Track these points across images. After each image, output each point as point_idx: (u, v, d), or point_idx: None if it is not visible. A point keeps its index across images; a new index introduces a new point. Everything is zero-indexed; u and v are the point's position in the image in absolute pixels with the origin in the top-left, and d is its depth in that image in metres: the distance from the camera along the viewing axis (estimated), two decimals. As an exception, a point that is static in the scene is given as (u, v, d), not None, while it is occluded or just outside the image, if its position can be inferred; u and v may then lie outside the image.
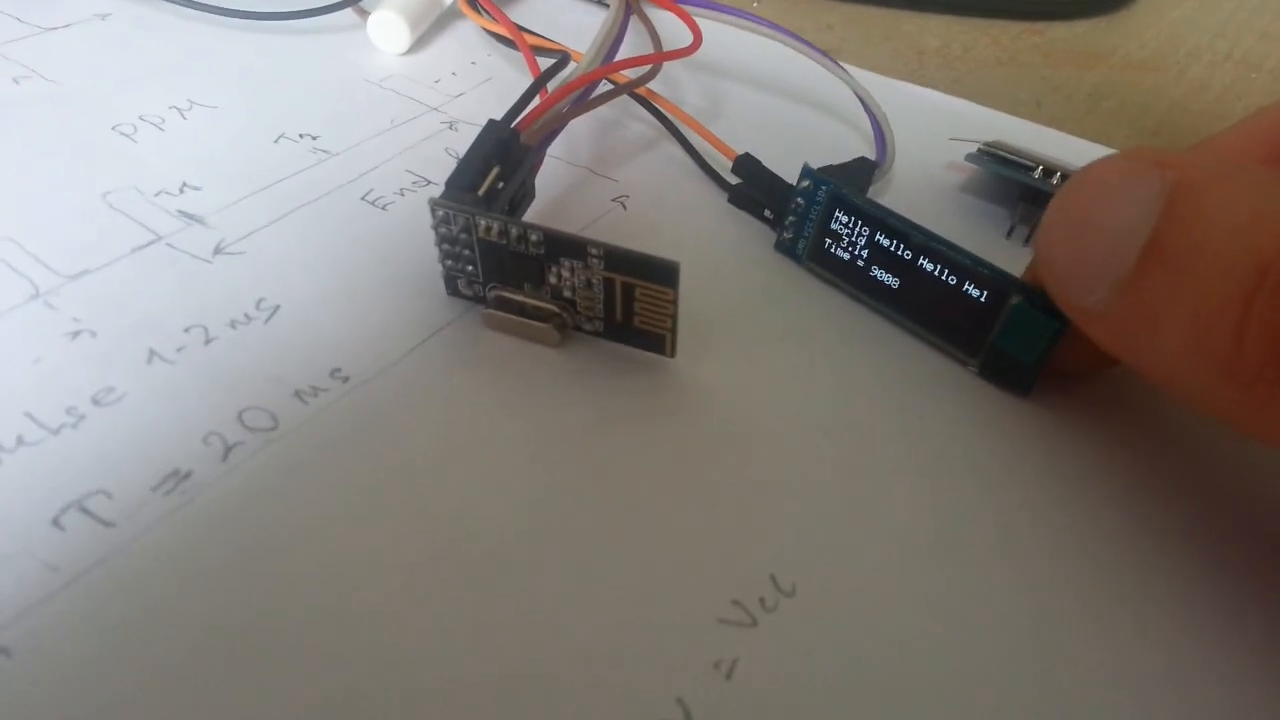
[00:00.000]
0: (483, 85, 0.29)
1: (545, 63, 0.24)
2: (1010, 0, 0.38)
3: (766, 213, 0.24)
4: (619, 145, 0.26)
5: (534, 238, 0.19)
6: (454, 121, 0.27)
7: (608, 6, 0.33)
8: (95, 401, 0.17)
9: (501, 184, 0.20)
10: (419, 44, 0.30)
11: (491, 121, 0.21)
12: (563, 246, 0.19)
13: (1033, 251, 0.22)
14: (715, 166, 0.26)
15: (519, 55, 0.28)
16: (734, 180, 0.25)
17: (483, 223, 0.19)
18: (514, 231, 0.19)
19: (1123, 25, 0.38)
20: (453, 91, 0.28)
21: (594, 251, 0.19)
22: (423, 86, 0.28)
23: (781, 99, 0.30)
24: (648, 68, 0.25)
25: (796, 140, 0.27)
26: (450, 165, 0.25)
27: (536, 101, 0.22)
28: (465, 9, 0.29)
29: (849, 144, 0.28)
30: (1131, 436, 0.19)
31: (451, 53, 0.30)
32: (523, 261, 0.19)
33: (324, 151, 0.25)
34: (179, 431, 0.17)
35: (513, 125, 0.21)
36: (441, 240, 0.20)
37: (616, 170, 0.26)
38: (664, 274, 0.18)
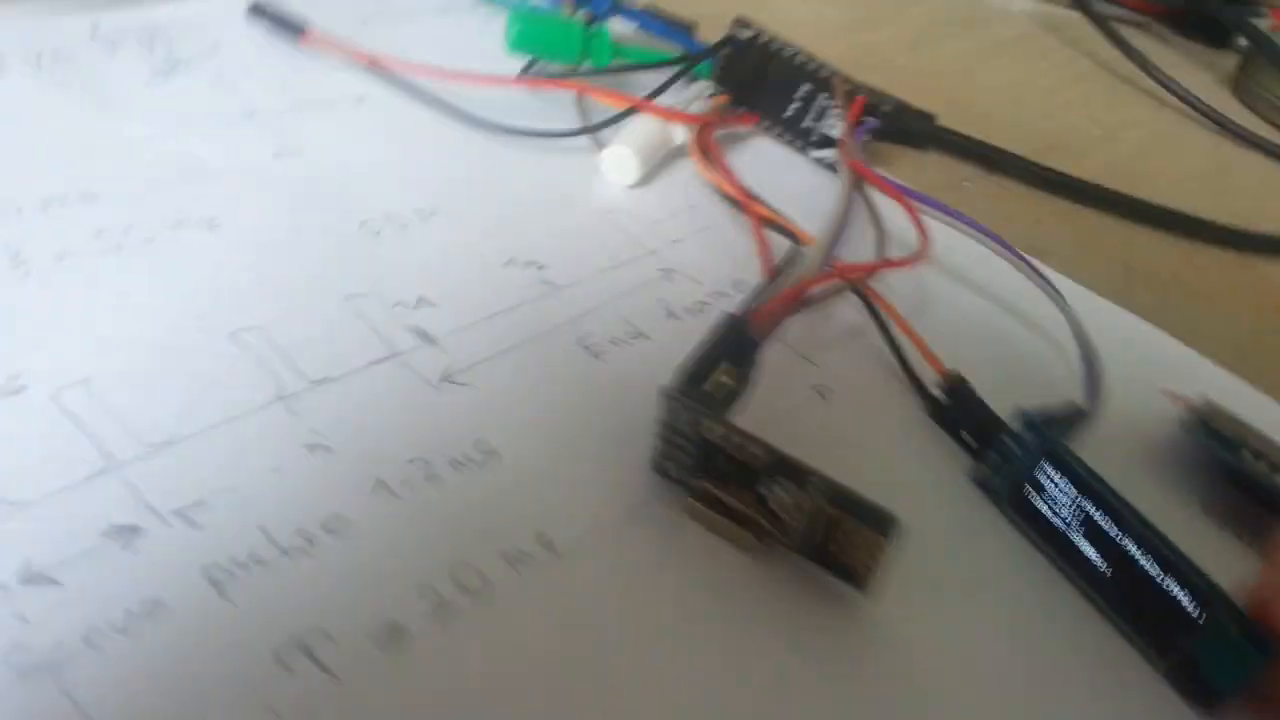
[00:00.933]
0: (700, 234, 0.29)
1: (772, 236, 0.25)
2: (1224, 229, 0.37)
3: (965, 435, 0.24)
4: (825, 327, 0.27)
5: (757, 451, 0.19)
6: (669, 270, 0.28)
7: (833, 170, 0.34)
8: (325, 527, 0.18)
9: (728, 380, 0.21)
10: (644, 181, 0.31)
11: (729, 316, 0.21)
12: (783, 467, 0.19)
13: (1260, 570, 0.21)
14: (918, 370, 0.26)
15: (735, 204, 0.29)
16: (938, 394, 0.25)
17: (709, 425, 0.20)
18: (737, 440, 0.19)
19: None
20: (671, 235, 0.29)
21: (814, 481, 0.19)
22: (644, 225, 0.29)
23: (989, 301, 0.30)
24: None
25: (1000, 355, 0.27)
26: (663, 318, 0.26)
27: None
28: (696, 158, 0.30)
29: (1055, 371, 0.27)
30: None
31: (673, 192, 0.31)
32: (738, 466, 0.20)
33: (548, 284, 0.26)
34: (398, 576, 0.18)
35: (746, 316, 0.22)
36: (664, 428, 0.20)
37: (819, 354, 0.26)
38: (881, 523, 0.18)
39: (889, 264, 0.25)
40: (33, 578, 0.16)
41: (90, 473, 0.18)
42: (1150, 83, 0.48)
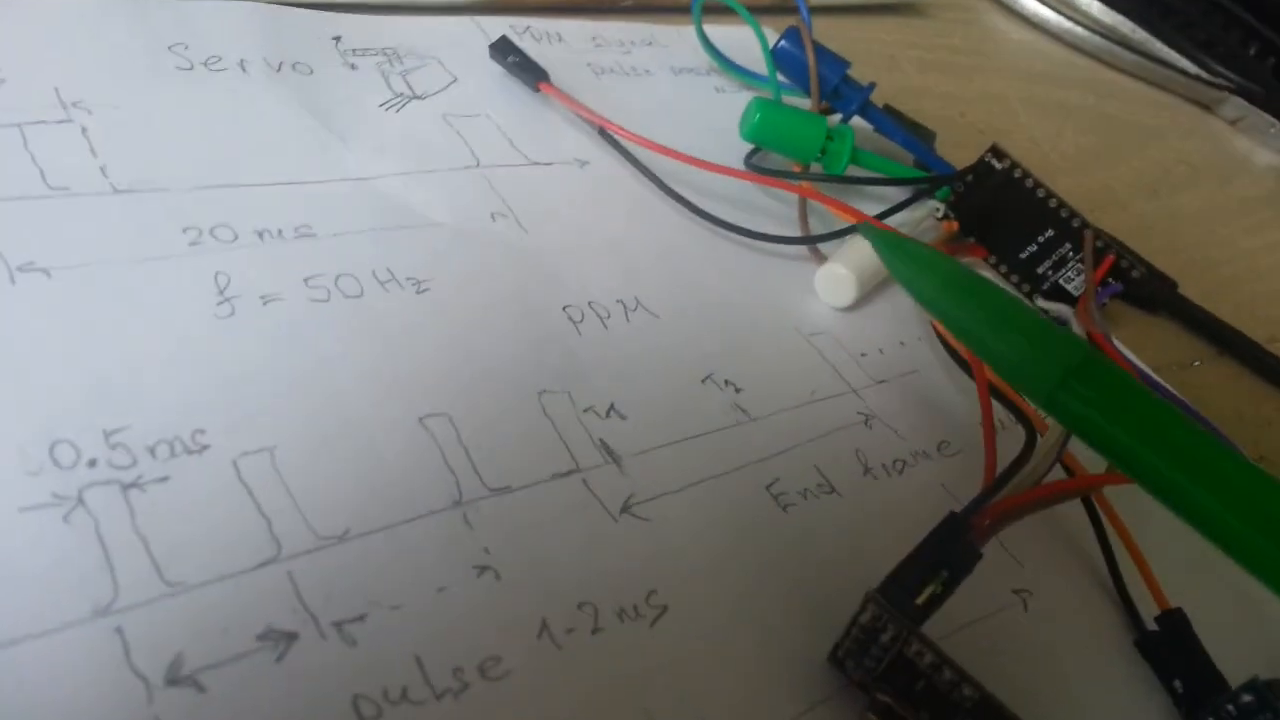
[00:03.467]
0: (908, 377, 0.27)
1: (996, 406, 0.23)
2: None
3: (1176, 684, 0.22)
4: (1036, 522, 0.24)
5: (966, 692, 0.17)
6: (870, 416, 0.25)
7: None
8: (482, 671, 0.17)
9: (938, 590, 0.18)
10: (858, 305, 0.29)
11: (952, 516, 0.19)
12: (992, 715, 0.17)
13: None
14: (1135, 594, 0.23)
15: (945, 346, 0.26)
16: (1153, 626, 0.22)
17: (915, 646, 0.17)
18: (947, 674, 0.17)
19: None
20: (876, 374, 0.27)
21: (1026, 745, 0.17)
22: (848, 356, 0.27)
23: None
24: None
25: (1232, 591, 0.24)
26: (858, 473, 0.24)
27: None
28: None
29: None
30: None
31: (884, 324, 0.29)
32: (933, 693, 0.18)
33: (743, 411, 0.24)
34: (548, 745, 0.16)
35: (968, 520, 0.19)
36: (859, 630, 0.18)
37: (1027, 553, 0.23)
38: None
39: (1109, 480, 0.22)
40: (180, 680, 0.15)
41: (258, 561, 0.17)
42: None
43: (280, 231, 0.23)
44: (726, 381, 0.25)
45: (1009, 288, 0.32)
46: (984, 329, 0.19)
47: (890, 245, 0.22)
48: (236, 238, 0.23)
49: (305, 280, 0.22)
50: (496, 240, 0.26)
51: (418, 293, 0.23)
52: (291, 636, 0.16)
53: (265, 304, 0.21)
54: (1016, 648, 0.21)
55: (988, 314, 0.19)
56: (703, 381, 0.24)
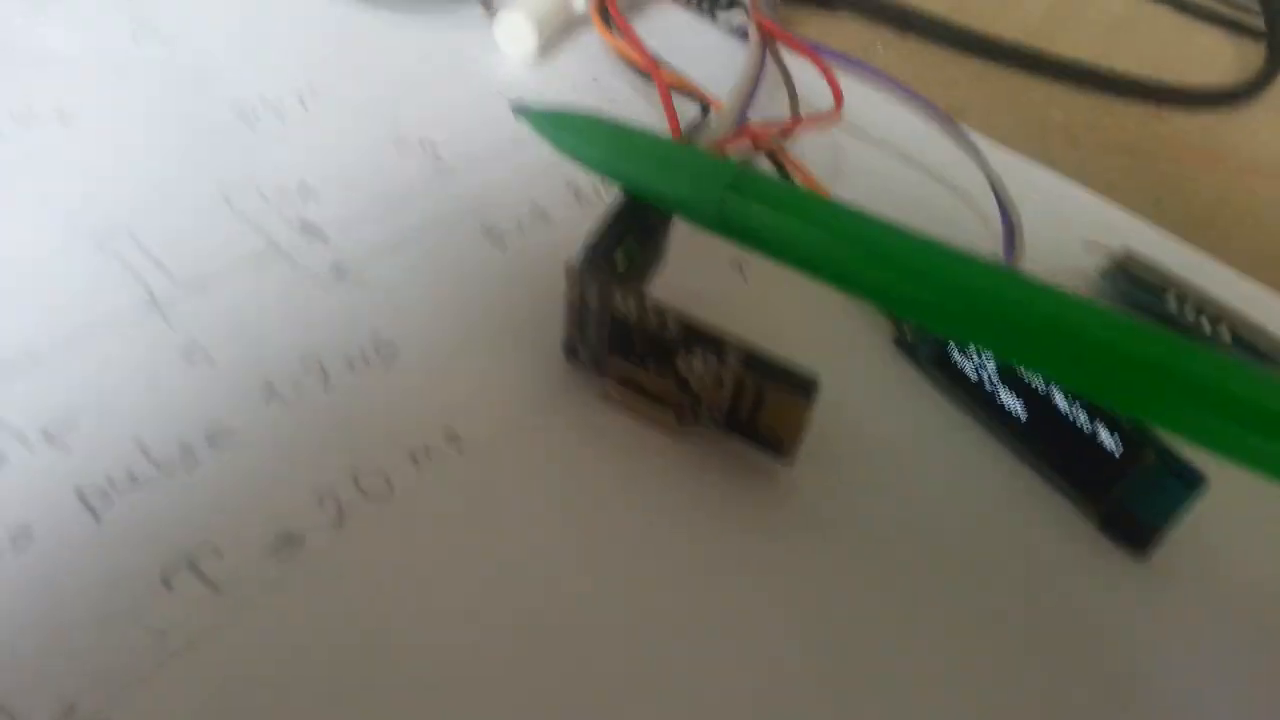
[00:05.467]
0: (606, 107, 0.28)
1: (679, 103, 0.24)
2: (1136, 81, 0.37)
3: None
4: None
5: (671, 324, 0.18)
6: (575, 147, 0.26)
7: (744, 38, 0.32)
8: (209, 440, 0.17)
9: (637, 251, 0.19)
10: (544, 52, 0.29)
11: (634, 186, 0.20)
12: (700, 338, 0.18)
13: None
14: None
15: (641, 75, 0.27)
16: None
17: (620, 298, 0.18)
18: (651, 313, 0.18)
19: (1248, 122, 0.37)
20: (574, 111, 0.27)
21: (732, 348, 0.18)
22: (545, 100, 0.27)
23: (904, 165, 0.29)
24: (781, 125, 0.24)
25: (919, 216, 0.26)
26: (571, 200, 0.24)
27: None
28: (598, 25, 0.28)
29: (973, 229, 0.27)
30: (1257, 609, 0.19)
31: (575, 66, 0.29)
32: (652, 342, 0.19)
33: (444, 166, 0.24)
34: (294, 486, 0.17)
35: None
36: (572, 308, 0.19)
37: (736, 228, 0.25)
38: (802, 386, 0.18)
39: (800, 123, 0.24)
40: (-121, 514, 0.15)
41: (-62, 397, 0.16)
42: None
43: (-113, 96, 0.21)
44: (421, 140, 0.24)
45: (691, 14, 0.33)
46: (650, 178, 0.20)
47: (551, 121, 0.21)
48: None
49: (-73, 134, 0.20)
50: (141, 60, 0.24)
51: (63, 124, 0.22)
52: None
53: (-115, 166, 0.20)
54: (740, 310, 0.23)
55: (650, 163, 0.20)
56: (395, 144, 0.24)
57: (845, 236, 0.18)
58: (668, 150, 0.20)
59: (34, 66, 0.23)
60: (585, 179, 0.25)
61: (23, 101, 0.22)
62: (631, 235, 0.19)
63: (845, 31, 0.36)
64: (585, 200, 0.25)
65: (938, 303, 0.17)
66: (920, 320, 0.19)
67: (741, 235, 0.19)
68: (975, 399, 0.22)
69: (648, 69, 0.26)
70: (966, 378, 0.22)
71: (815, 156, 0.28)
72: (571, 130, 0.21)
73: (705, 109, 0.23)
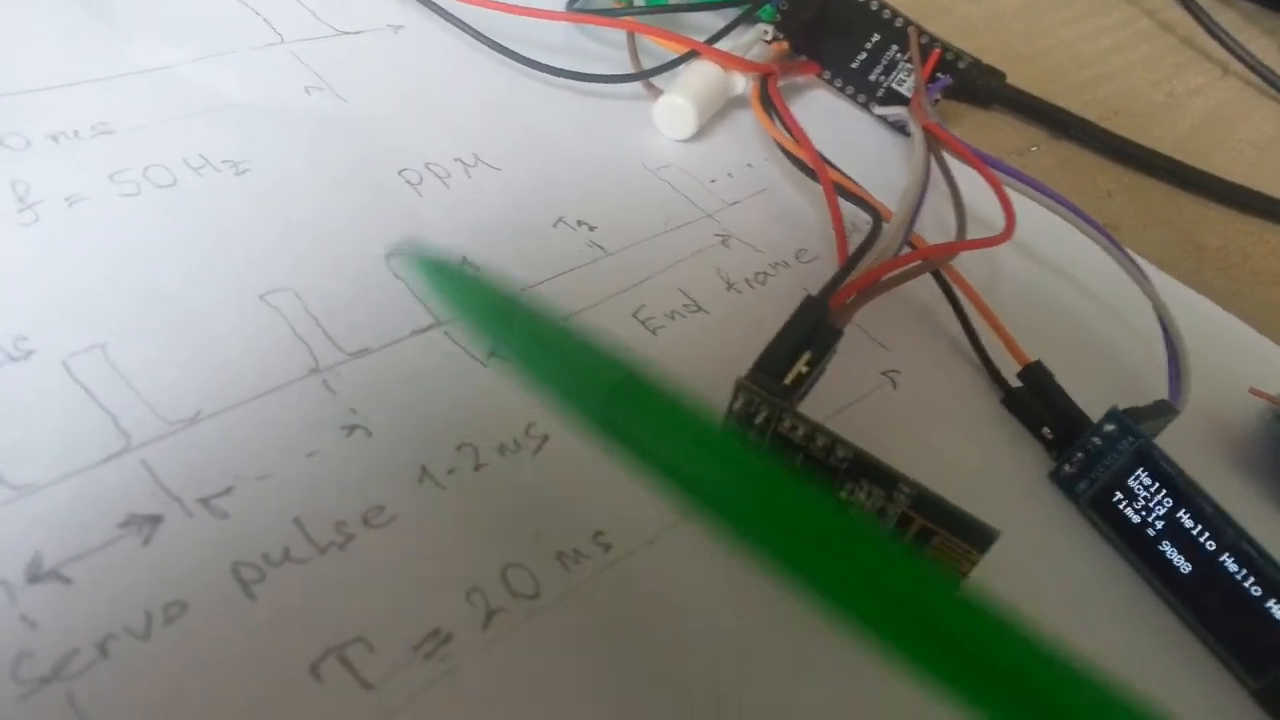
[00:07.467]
0: (758, 196, 0.27)
1: (845, 206, 0.23)
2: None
3: (1045, 431, 0.23)
4: (896, 306, 0.25)
5: (840, 453, 0.18)
6: (726, 236, 0.26)
7: (897, 131, 0.32)
8: (365, 521, 0.17)
9: (805, 370, 0.19)
10: (700, 130, 0.29)
11: (809, 299, 0.20)
12: (870, 471, 0.17)
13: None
14: (994, 356, 0.24)
15: (795, 160, 0.26)
16: (1016, 383, 0.23)
17: (791, 423, 0.18)
18: (820, 440, 0.18)
19: None
20: (728, 197, 0.27)
21: (905, 489, 0.17)
22: (698, 184, 0.27)
23: (1061, 279, 0.28)
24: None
25: (1079, 340, 0.26)
26: (720, 290, 0.24)
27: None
28: (759, 114, 0.28)
29: (1137, 358, 0.26)
30: None
31: (729, 149, 0.29)
32: (814, 466, 0.18)
33: (599, 248, 0.24)
34: (443, 578, 0.16)
35: (826, 300, 0.20)
36: (736, 422, 0.18)
37: (890, 336, 0.24)
38: (979, 538, 0.17)
39: (977, 244, 0.23)
40: (41, 576, 0.14)
41: (106, 454, 0.16)
42: (1212, 44, 0.46)
43: (76, 132, 0.22)
44: (579, 222, 0.24)
45: (845, 102, 0.32)
46: (526, 358, 0.16)
47: (432, 271, 0.17)
48: (29, 144, 0.21)
49: (110, 176, 0.21)
50: (314, 114, 0.24)
51: (237, 174, 0.22)
52: (155, 519, 0.15)
53: (71, 205, 0.20)
54: (891, 423, 0.22)
55: (529, 343, 0.16)
56: (554, 225, 0.24)
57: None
58: (552, 334, 0.16)
59: (211, 117, 0.23)
60: (740, 270, 0.25)
61: (200, 151, 0.22)
62: (807, 354, 0.18)
63: (1000, 129, 0.35)
64: (737, 291, 0.24)
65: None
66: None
67: (624, 444, 0.15)
68: (1134, 548, 0.20)
69: (814, 165, 0.25)
70: (1128, 520, 0.20)
71: (971, 265, 0.27)
72: (454, 285, 0.17)
73: (877, 218, 0.22)
